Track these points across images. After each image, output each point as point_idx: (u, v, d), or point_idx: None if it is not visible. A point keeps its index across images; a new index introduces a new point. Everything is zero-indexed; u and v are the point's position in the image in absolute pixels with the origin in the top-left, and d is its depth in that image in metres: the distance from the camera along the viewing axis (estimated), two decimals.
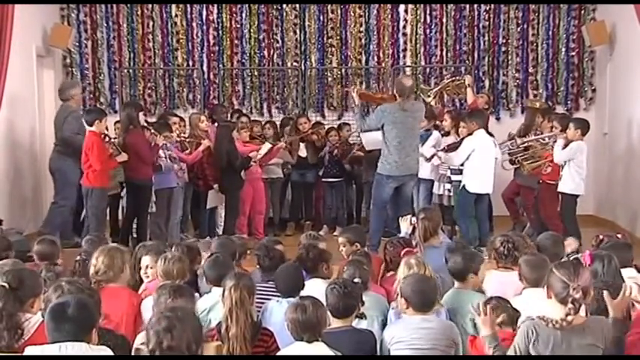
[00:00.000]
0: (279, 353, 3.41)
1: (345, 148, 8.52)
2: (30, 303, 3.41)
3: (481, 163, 7.06)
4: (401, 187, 7.04)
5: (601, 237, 4.74)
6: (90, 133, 6.83)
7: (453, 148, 7.44)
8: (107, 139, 7.05)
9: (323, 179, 8.63)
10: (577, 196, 6.99)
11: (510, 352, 3.15)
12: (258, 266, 4.82)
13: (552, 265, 3.23)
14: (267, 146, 7.95)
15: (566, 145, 6.90)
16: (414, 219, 5.52)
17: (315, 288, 3.99)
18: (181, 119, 8.22)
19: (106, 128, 7.07)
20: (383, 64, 9.62)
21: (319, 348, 3.27)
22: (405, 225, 5.56)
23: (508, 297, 3.79)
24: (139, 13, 9.58)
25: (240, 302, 3.49)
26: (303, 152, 8.54)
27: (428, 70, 9.69)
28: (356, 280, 3.97)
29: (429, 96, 8.09)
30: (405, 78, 7.42)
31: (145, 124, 7.43)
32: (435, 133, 7.78)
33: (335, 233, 8.41)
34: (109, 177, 7.02)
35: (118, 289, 4.06)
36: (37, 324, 3.29)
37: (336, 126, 8.95)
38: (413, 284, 3.63)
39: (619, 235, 4.97)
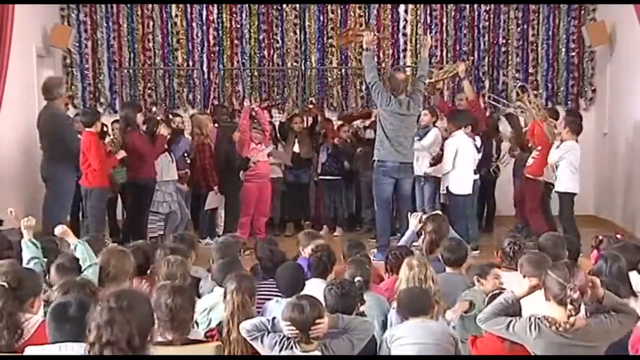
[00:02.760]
0: None
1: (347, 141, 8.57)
2: (30, 303, 3.41)
3: (459, 164, 7.08)
4: (399, 184, 7.04)
5: (600, 237, 4.73)
6: (87, 133, 6.81)
7: (438, 160, 7.49)
8: (107, 136, 7.07)
9: (320, 177, 8.65)
10: (574, 194, 6.99)
11: (503, 332, 3.20)
12: (259, 266, 4.83)
13: (547, 267, 3.24)
14: (262, 154, 7.95)
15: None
16: (424, 216, 5.50)
17: (317, 287, 3.99)
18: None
19: (103, 127, 7.08)
20: (383, 64, 9.61)
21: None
22: (414, 222, 5.50)
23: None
24: (139, 13, 9.58)
25: (242, 306, 3.49)
26: (296, 148, 8.55)
27: None
28: (357, 278, 3.98)
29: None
30: (398, 73, 7.52)
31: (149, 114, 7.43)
32: (435, 130, 7.74)
33: (335, 233, 8.44)
34: (108, 177, 7.02)
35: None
36: (37, 324, 3.29)
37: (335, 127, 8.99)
38: (404, 294, 3.68)
39: (618, 236, 4.97)
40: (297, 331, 3.22)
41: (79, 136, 7.03)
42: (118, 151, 6.94)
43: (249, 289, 3.60)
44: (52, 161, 7.05)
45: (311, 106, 8.93)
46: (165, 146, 7.41)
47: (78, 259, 4.04)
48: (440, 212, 6.36)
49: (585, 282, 3.07)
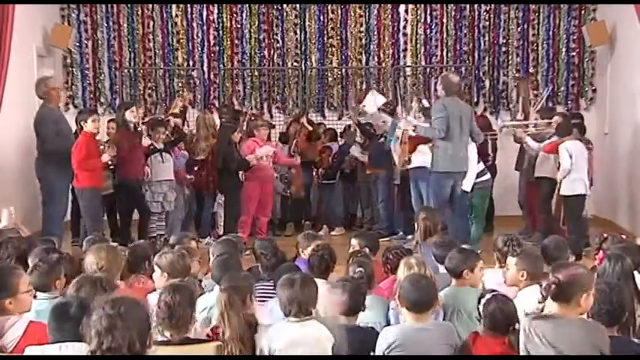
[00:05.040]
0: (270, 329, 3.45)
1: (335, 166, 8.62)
2: (7, 302, 3.34)
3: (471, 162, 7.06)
4: (454, 188, 6.91)
5: (604, 235, 4.73)
6: (82, 132, 6.87)
7: None
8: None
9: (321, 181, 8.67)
10: (578, 196, 6.96)
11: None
12: (259, 265, 4.83)
13: (540, 265, 3.43)
14: (266, 148, 7.94)
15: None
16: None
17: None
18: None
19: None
20: (383, 64, 9.63)
21: (310, 326, 3.31)
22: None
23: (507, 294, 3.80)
24: (140, 13, 9.59)
25: (230, 304, 3.45)
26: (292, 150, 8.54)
27: (428, 70, 9.69)
28: (359, 269, 3.98)
29: None
30: (452, 75, 7.30)
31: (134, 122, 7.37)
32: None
33: (333, 233, 8.44)
34: (99, 177, 6.98)
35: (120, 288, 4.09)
36: (24, 328, 3.26)
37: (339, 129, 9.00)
38: (408, 284, 3.61)
39: (623, 236, 4.96)
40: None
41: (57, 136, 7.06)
42: (102, 155, 6.94)
43: (237, 287, 3.56)
44: (42, 160, 7.18)
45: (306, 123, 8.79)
46: (161, 145, 7.43)
47: (56, 261, 4.01)
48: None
49: (569, 279, 3.04)
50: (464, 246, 6.00)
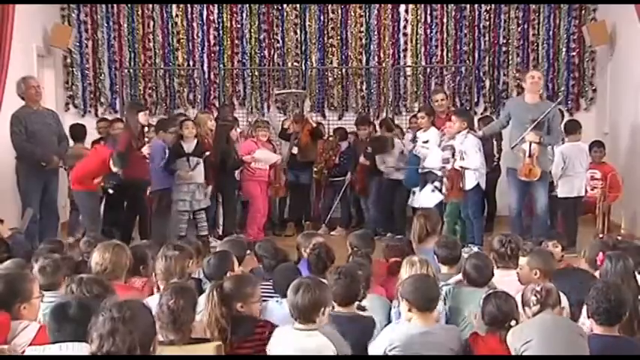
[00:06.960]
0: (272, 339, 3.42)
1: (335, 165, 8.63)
2: (20, 307, 3.36)
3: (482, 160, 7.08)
4: None
5: (600, 236, 4.74)
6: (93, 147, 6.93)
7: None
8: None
9: (329, 179, 8.67)
10: (571, 198, 6.98)
11: None
12: (260, 265, 4.83)
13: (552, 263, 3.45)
14: (262, 152, 7.92)
15: None
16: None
17: None
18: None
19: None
20: (383, 64, 9.63)
21: (313, 338, 3.28)
22: None
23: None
24: (140, 13, 9.60)
25: (211, 299, 3.47)
26: (294, 149, 8.51)
27: (428, 70, 9.69)
28: (359, 272, 4.00)
29: None
30: None
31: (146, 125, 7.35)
32: (434, 129, 7.70)
33: (333, 233, 8.43)
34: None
35: (122, 286, 4.09)
36: (36, 331, 3.27)
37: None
38: (412, 284, 3.58)
39: (619, 237, 4.96)
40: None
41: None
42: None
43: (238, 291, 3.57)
44: (17, 161, 7.08)
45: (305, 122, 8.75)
46: (185, 148, 7.36)
47: (61, 259, 4.01)
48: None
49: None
50: (475, 248, 6.07)
